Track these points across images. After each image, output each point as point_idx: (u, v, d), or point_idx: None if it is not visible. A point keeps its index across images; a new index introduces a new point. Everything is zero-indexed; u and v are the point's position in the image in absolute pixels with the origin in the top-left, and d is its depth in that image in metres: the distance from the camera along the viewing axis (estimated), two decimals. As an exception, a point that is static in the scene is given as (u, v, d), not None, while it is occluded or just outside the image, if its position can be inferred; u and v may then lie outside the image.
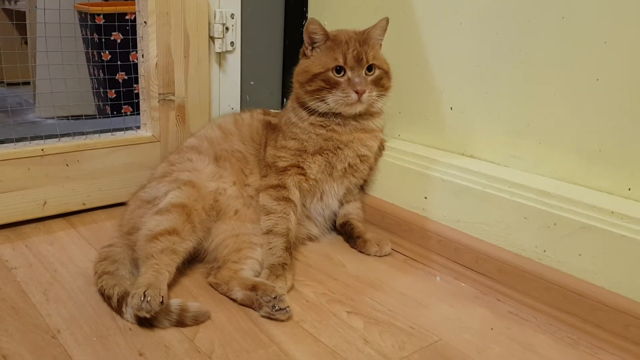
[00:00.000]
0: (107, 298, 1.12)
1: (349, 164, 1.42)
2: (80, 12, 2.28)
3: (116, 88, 2.15)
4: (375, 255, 1.41)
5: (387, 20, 1.38)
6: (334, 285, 1.26)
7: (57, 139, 1.55)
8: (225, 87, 1.84)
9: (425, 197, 1.44)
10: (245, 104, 1.92)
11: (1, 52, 3.02)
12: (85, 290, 1.18)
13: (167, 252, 1.17)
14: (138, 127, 1.70)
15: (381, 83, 1.37)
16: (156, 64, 1.63)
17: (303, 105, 1.39)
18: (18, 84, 3.08)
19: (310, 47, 1.38)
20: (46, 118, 2.74)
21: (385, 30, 1.39)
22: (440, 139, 1.54)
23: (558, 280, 1.17)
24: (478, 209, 1.32)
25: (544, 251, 1.20)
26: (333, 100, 1.32)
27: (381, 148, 1.53)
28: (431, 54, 1.52)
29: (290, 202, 1.36)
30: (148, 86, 1.65)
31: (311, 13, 1.91)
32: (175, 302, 1.09)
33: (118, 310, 1.10)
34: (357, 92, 1.30)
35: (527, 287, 1.22)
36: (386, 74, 1.38)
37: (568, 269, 1.16)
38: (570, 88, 1.24)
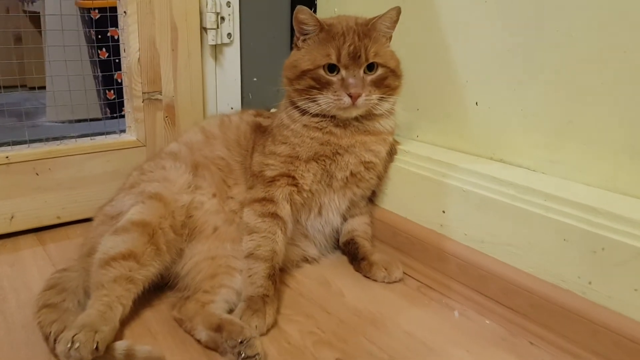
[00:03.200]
0: (45, 337, 0.93)
1: (351, 172, 1.20)
2: (80, 8, 2.13)
3: (114, 87, 1.98)
4: (383, 282, 1.18)
5: (398, 10, 1.14)
6: (326, 321, 1.04)
7: (26, 145, 1.38)
8: (223, 84, 1.64)
9: (444, 211, 1.19)
10: (247, 103, 1.71)
11: (19, 53, 2.95)
12: (28, 325, 0.99)
13: (122, 281, 0.97)
14: (123, 131, 1.52)
15: (385, 83, 1.14)
16: (138, 58, 1.44)
17: (294, 105, 1.18)
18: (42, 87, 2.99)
19: (301, 38, 1.17)
20: (56, 122, 2.62)
21: (395, 21, 1.16)
22: (464, 140, 1.29)
23: (607, 322, 0.91)
24: (506, 228, 1.07)
25: (590, 283, 0.94)
26: (325, 102, 1.11)
27: (392, 152, 1.30)
28: (452, 40, 1.28)
29: (277, 218, 1.14)
30: (130, 84, 1.46)
31: (320, -1, 1.70)
32: (120, 345, 0.89)
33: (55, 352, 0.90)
34: (350, 96, 1.08)
35: (568, 329, 0.96)
36: (393, 72, 1.15)
37: (620, 308, 0.90)
38: (622, 77, 0.97)
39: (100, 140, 1.46)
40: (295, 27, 1.16)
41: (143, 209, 1.06)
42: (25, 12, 3.21)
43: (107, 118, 2.08)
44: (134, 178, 1.19)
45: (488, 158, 1.24)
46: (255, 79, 1.72)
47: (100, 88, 2.13)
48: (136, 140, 1.48)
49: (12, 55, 1.72)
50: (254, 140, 1.26)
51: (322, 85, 1.11)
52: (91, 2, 2.00)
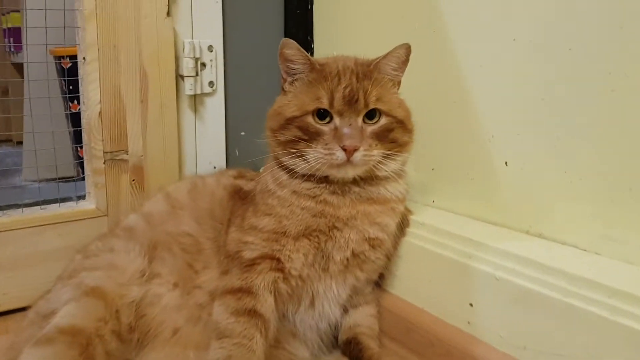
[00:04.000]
0: None
1: (353, 251, 0.94)
2: (54, 57, 1.94)
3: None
4: (394, 398, 0.92)
5: (407, 48, 0.92)
6: None
7: (-43, 219, 1.15)
8: (204, 140, 1.41)
9: (471, 304, 0.93)
10: (233, 161, 1.48)
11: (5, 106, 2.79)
12: None
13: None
14: (81, 197, 1.28)
15: (391, 137, 0.91)
16: (100, 112, 1.22)
17: (281, 164, 0.94)
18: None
19: (289, 80, 0.94)
20: (33, 181, 2.41)
21: (404, 62, 0.94)
22: (491, 209, 1.04)
23: None
24: (557, 331, 0.81)
25: (684, 420, 0.68)
26: (314, 157, 0.87)
27: (403, 225, 1.04)
28: (473, 86, 1.05)
29: (256, 316, 0.87)
30: (90, 143, 1.24)
31: (317, 41, 1.49)
32: None
33: None
34: (345, 150, 0.84)
35: None
36: (401, 124, 0.92)
37: None
38: None
39: (52, 209, 1.22)
40: (281, 66, 0.95)
41: (76, 310, 0.81)
42: (13, 64, 3.06)
43: (76, 179, 1.86)
44: (75, 264, 0.95)
45: (523, 232, 0.98)
46: (243, 133, 1.49)
47: (73, 145, 1.91)
48: (95, 209, 1.24)
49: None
50: (231, 210, 1.02)
51: (311, 136, 0.88)
52: (58, 49, 1.80)
